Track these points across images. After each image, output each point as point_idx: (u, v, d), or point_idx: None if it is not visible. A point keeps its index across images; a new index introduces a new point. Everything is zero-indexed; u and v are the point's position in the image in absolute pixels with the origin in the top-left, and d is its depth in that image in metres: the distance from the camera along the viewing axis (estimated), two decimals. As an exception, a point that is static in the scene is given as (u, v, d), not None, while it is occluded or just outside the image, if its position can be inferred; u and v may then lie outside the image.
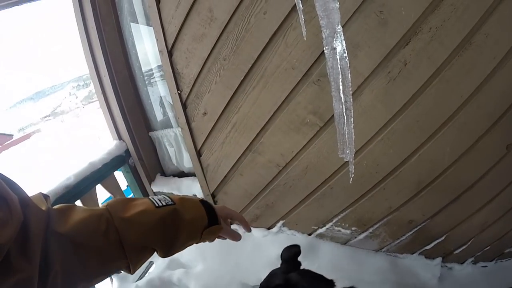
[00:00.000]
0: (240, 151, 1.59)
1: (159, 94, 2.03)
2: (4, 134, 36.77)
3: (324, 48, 0.84)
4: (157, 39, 1.50)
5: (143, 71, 1.98)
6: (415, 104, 1.19)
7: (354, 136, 1.31)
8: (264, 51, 1.31)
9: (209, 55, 1.40)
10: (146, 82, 1.99)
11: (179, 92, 1.54)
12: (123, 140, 2.04)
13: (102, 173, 1.95)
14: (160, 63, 1.82)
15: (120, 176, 2.10)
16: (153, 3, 1.44)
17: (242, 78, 1.38)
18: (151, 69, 1.97)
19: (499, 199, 1.31)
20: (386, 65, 1.17)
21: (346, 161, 1.37)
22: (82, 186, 1.83)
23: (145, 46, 1.93)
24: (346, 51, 0.94)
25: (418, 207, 1.40)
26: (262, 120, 1.45)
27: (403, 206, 1.42)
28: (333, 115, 1.28)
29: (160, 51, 1.51)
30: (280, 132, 1.45)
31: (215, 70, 1.42)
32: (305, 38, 1.19)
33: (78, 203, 1.87)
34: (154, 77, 1.99)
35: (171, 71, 1.51)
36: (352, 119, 1.28)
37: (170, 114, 1.98)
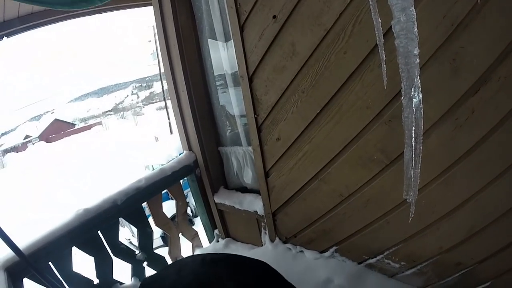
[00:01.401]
0: (307, 178, 1.68)
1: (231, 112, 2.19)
2: (67, 123, 40.75)
3: (401, 98, 0.89)
4: (238, 65, 1.64)
5: (218, 88, 2.15)
6: (477, 151, 1.21)
7: (419, 181, 1.33)
8: (342, 88, 1.39)
9: (288, 86, 1.52)
10: (221, 102, 2.15)
11: (255, 116, 1.66)
12: (193, 151, 2.22)
13: (170, 180, 2.17)
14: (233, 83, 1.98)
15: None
16: (237, 32, 1.59)
17: (318, 112, 1.48)
18: (226, 86, 2.13)
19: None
20: (454, 111, 1.21)
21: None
22: (151, 189, 2.05)
23: (222, 63, 2.09)
24: (422, 102, 0.98)
25: (468, 251, 1.40)
26: (332, 152, 1.53)
27: (453, 248, 1.42)
28: (400, 155, 1.32)
29: (240, 77, 1.65)
30: (348, 165, 1.53)
31: (292, 100, 1.52)
32: (385, 87, 1.24)
33: (145, 205, 2.09)
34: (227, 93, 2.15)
35: (250, 96, 1.64)
36: (419, 165, 1.30)
37: (240, 129, 2.12)
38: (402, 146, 0.91)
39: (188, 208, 3.94)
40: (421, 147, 1.31)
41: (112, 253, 1.90)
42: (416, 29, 1.11)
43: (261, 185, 1.88)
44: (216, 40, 2.04)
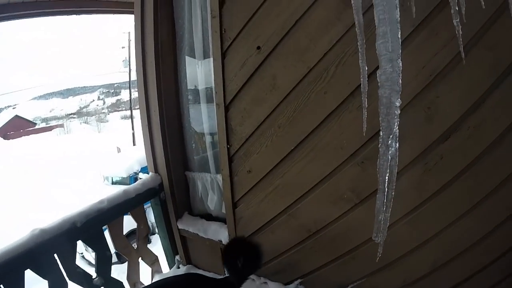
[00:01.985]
0: (276, 212, 1.66)
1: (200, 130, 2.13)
2: (28, 121, 38.44)
3: (379, 145, 0.91)
4: (216, 92, 1.61)
5: (189, 103, 2.09)
6: (444, 194, 1.32)
7: (388, 223, 1.35)
8: (318, 127, 1.41)
9: (265, 120, 1.50)
10: (192, 119, 2.10)
11: (228, 146, 1.62)
12: (159, 174, 2.12)
13: (133, 202, 2.04)
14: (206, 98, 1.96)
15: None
16: (219, 57, 1.57)
17: (292, 148, 1.48)
18: (198, 101, 2.08)
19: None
20: (424, 156, 1.30)
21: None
22: (114, 212, 1.92)
23: (198, 78, 2.04)
24: (398, 151, 1.01)
25: (431, 284, 1.47)
26: (303, 188, 1.54)
27: (417, 281, 1.49)
28: (370, 195, 1.39)
29: (217, 104, 1.61)
30: (318, 202, 1.54)
31: (268, 134, 1.51)
32: (364, 134, 1.26)
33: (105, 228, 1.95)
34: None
35: (224, 125, 1.61)
36: (390, 209, 1.32)
37: (209, 152, 2.06)
38: (372, 186, 0.93)
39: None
40: (393, 193, 1.35)
41: (68, 277, 1.74)
42: (400, 81, 1.14)
43: (228, 215, 1.83)
44: (195, 58, 2.00)
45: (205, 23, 1.83)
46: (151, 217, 2.57)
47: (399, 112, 1.17)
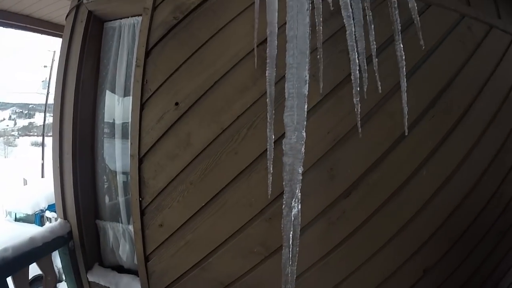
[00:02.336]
0: (188, 266, 1.63)
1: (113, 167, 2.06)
2: None
3: (283, 207, 0.99)
4: (131, 143, 1.58)
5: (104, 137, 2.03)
6: (347, 243, 1.46)
7: (297, 274, 1.42)
8: (228, 185, 1.47)
9: (177, 175, 1.52)
10: (108, 179, 2.03)
11: (140, 199, 1.58)
12: (68, 221, 1.97)
13: (41, 251, 1.87)
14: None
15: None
16: (137, 108, 1.57)
17: (203, 204, 1.50)
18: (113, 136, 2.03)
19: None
20: (327, 212, 1.45)
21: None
22: (19, 262, 1.73)
23: (115, 113, 2.01)
24: (300, 212, 1.09)
25: None
26: (215, 243, 1.55)
27: None
28: (279, 248, 1.41)
29: (131, 155, 1.59)
30: (229, 256, 1.56)
31: (180, 189, 1.51)
32: (269, 197, 1.34)
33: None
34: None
35: (137, 177, 1.58)
36: (295, 263, 1.39)
37: (121, 199, 1.98)
38: (281, 240, 0.98)
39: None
40: (298, 248, 1.43)
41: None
42: (303, 150, 1.25)
43: (141, 268, 1.75)
44: (114, 93, 1.97)
45: (129, 68, 1.84)
46: (58, 261, 2.36)
47: (300, 177, 1.27)
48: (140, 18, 1.76)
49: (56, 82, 2.01)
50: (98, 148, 2.01)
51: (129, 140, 1.60)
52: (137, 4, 1.70)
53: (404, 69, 1.09)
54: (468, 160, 1.64)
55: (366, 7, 1.22)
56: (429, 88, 1.65)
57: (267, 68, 1.24)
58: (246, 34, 1.43)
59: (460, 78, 1.75)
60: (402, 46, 1.07)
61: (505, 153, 1.78)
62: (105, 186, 2.04)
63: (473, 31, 1.87)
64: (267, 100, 1.18)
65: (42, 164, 13.79)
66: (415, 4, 1.10)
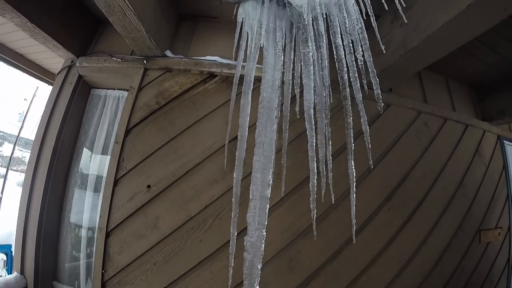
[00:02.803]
0: None
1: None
2: None
3: None
4: (100, 216, 1.64)
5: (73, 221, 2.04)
6: None
7: None
8: (191, 270, 1.53)
9: (142, 254, 1.57)
10: (72, 235, 2.04)
11: (103, 271, 1.61)
12: (25, 277, 1.94)
13: None
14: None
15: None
16: (111, 183, 1.65)
17: (165, 286, 1.55)
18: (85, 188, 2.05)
19: None
20: None
21: None
22: None
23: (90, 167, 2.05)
24: None
25: None
26: None
27: None
28: None
29: (99, 228, 1.63)
30: None
31: (143, 269, 1.56)
32: (231, 271, 1.42)
33: None
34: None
35: (102, 250, 1.62)
36: None
37: (82, 262, 1.97)
38: None
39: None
40: None
41: None
42: (263, 248, 1.36)
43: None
44: (92, 152, 2.03)
45: (107, 139, 1.92)
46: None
47: (259, 272, 1.36)
48: (124, 93, 1.88)
49: (36, 135, 2.04)
50: (68, 206, 2.03)
51: (99, 213, 1.65)
52: (124, 80, 1.83)
53: (354, 185, 1.25)
54: (426, 243, 1.81)
55: (326, 124, 1.40)
56: (386, 183, 1.82)
57: (235, 170, 1.37)
58: (219, 129, 1.57)
59: (415, 171, 1.94)
60: (353, 164, 1.24)
61: (462, 233, 1.96)
62: (68, 247, 2.04)
63: (428, 126, 2.11)
64: (233, 199, 1.30)
65: (0, 198, 12.96)
66: (367, 128, 1.28)
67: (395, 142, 1.94)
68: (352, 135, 1.27)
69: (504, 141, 2.52)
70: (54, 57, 2.67)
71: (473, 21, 1.25)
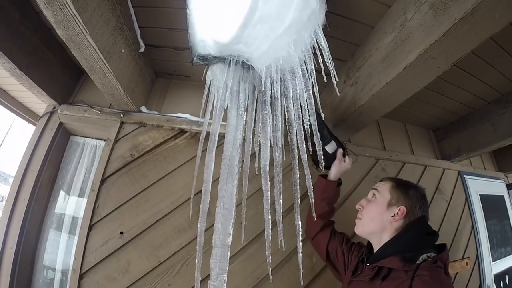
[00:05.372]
0: None
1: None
2: None
3: None
4: (75, 258, 1.81)
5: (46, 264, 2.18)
6: None
7: None
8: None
9: (114, 300, 1.73)
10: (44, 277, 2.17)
11: (77, 314, 1.78)
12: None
13: None
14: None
15: None
16: (86, 227, 1.81)
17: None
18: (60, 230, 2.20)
19: None
20: None
21: None
22: None
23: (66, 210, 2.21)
24: None
25: None
26: None
27: None
28: None
29: (73, 269, 1.80)
30: None
31: (115, 311, 1.73)
32: None
33: None
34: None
35: (75, 291, 1.78)
36: None
37: None
38: None
39: None
40: None
41: None
42: (225, 290, 1.57)
43: None
44: (69, 194, 2.21)
45: (84, 184, 2.13)
46: None
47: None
48: (102, 142, 2.11)
49: (15, 176, 2.21)
50: (42, 245, 2.19)
51: (73, 255, 1.84)
52: (102, 131, 2.06)
53: (300, 236, 1.49)
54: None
55: (278, 180, 1.65)
56: (346, 228, 2.04)
57: (199, 220, 1.61)
58: (187, 182, 1.80)
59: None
60: (299, 218, 1.48)
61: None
62: (41, 286, 2.19)
63: (387, 171, 2.38)
64: (197, 247, 1.53)
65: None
66: (311, 184, 1.53)
67: (354, 189, 2.20)
68: (298, 190, 1.52)
69: (465, 175, 2.80)
70: (36, 99, 2.90)
71: (411, 80, 1.49)
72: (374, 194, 1.42)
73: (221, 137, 1.74)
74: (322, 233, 1.66)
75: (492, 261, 2.60)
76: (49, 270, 2.21)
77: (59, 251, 2.19)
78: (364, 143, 2.38)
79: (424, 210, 1.33)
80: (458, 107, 2.53)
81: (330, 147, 1.78)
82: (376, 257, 1.26)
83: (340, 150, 1.77)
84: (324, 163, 1.69)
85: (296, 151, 1.56)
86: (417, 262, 1.09)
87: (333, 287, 1.86)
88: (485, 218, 2.71)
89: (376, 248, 1.33)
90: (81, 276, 1.78)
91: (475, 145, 2.57)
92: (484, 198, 2.82)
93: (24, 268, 2.12)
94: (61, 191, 2.25)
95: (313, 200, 1.55)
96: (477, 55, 1.88)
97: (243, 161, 1.72)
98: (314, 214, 1.55)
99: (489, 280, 2.49)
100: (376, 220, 1.33)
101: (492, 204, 2.87)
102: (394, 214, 1.28)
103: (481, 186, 2.89)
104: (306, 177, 1.53)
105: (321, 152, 1.59)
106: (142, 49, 1.89)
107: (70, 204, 2.23)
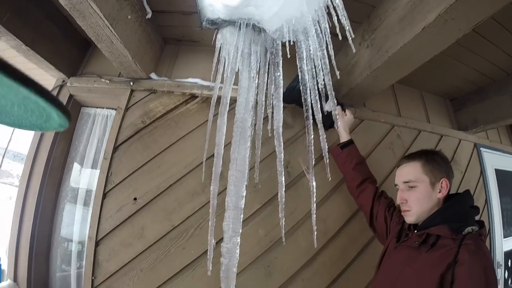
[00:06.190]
0: None
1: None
2: None
3: None
4: (90, 226, 1.84)
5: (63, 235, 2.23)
6: None
7: None
8: (175, 276, 1.73)
9: (129, 262, 1.77)
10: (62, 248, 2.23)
11: (93, 278, 1.81)
12: (18, 285, 2.13)
13: None
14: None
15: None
16: (100, 196, 1.84)
17: (151, 291, 1.74)
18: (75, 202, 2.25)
19: None
20: None
21: None
22: None
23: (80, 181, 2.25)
24: None
25: None
26: None
27: None
28: None
29: (89, 237, 1.83)
30: None
31: (130, 275, 1.76)
32: (209, 274, 1.62)
33: None
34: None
35: (92, 258, 1.81)
36: None
37: (73, 272, 2.17)
38: None
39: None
40: None
41: None
42: (238, 252, 1.58)
43: None
44: (82, 166, 2.23)
45: (97, 154, 2.14)
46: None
47: (235, 275, 1.57)
48: (113, 112, 2.11)
49: (28, 151, 2.24)
50: (59, 218, 2.23)
51: (89, 223, 1.86)
52: (112, 100, 2.05)
53: (315, 195, 1.47)
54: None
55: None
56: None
57: (212, 183, 1.60)
58: (200, 146, 1.79)
59: (389, 181, 2.15)
60: (314, 177, 1.46)
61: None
62: (59, 259, 2.24)
63: (402, 138, 2.33)
64: (210, 210, 1.53)
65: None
66: (326, 144, 1.51)
67: (368, 155, 2.16)
68: (313, 151, 1.49)
69: (481, 148, 2.74)
70: (45, 75, 2.90)
71: (430, 42, 1.43)
72: (411, 187, 1.36)
73: (233, 101, 1.72)
74: (364, 194, 1.71)
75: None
76: (66, 242, 2.26)
77: (75, 223, 2.24)
78: (379, 108, 2.32)
79: (452, 172, 1.38)
80: (477, 76, 2.44)
81: (328, 107, 1.78)
82: (425, 225, 1.28)
83: (339, 107, 1.84)
84: (328, 123, 1.77)
85: (310, 111, 1.52)
86: (463, 233, 1.14)
87: (345, 253, 1.89)
88: (499, 194, 2.65)
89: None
90: (97, 243, 1.82)
91: (492, 117, 2.49)
92: (500, 173, 2.75)
93: (42, 240, 2.17)
94: (75, 163, 2.27)
95: (327, 160, 1.53)
96: (498, 22, 1.80)
97: (255, 124, 1.70)
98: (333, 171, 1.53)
99: (499, 256, 2.45)
100: (427, 203, 1.32)
101: (507, 180, 2.79)
102: (440, 189, 1.31)
103: (497, 160, 2.81)
104: (320, 138, 1.50)
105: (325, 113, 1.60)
106: (149, 15, 1.86)
107: (84, 177, 2.25)
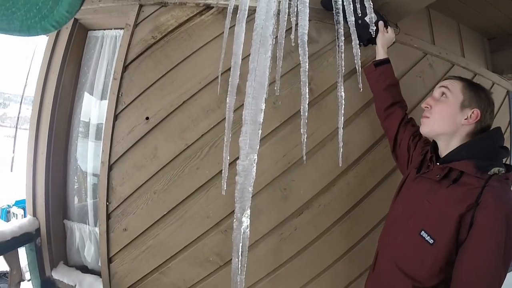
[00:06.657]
0: (148, 269, 1.81)
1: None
2: None
3: (234, 221, 1.18)
4: (103, 150, 1.77)
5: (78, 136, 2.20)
6: (298, 258, 1.70)
7: (245, 283, 1.62)
8: (189, 197, 1.67)
9: (143, 184, 1.71)
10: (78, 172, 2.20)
11: (107, 203, 1.76)
12: (37, 219, 2.13)
13: (8, 245, 2.01)
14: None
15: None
16: (111, 118, 1.76)
17: (165, 213, 1.69)
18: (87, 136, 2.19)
19: None
20: (280, 228, 1.67)
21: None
22: None
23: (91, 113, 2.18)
24: (249, 227, 1.29)
25: None
26: (173, 250, 1.74)
27: None
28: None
29: (102, 162, 1.77)
30: (187, 263, 1.75)
31: (144, 198, 1.70)
32: (223, 193, 1.55)
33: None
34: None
35: (106, 183, 1.76)
36: (245, 272, 1.60)
37: (89, 202, 2.15)
38: None
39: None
40: (247, 259, 1.64)
41: None
42: (254, 171, 1.47)
43: (103, 269, 1.91)
44: (92, 95, 2.15)
45: (107, 78, 2.03)
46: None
47: (250, 195, 1.48)
48: (121, 32, 1.96)
49: (36, 82, 2.17)
50: (72, 149, 2.18)
51: (101, 147, 1.78)
52: (120, 18, 1.90)
53: (343, 108, 1.32)
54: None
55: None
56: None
57: (228, 95, 1.47)
58: (215, 59, 1.64)
59: (417, 110, 1.98)
60: (343, 88, 1.31)
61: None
62: (75, 187, 2.21)
63: (434, 68, 2.13)
64: (226, 124, 1.40)
65: (13, 158, 13.44)
66: (358, 51, 1.34)
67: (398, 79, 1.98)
68: (343, 57, 1.32)
69: (514, 97, 2.51)
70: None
71: None
72: (443, 93, 1.23)
73: (252, 11, 1.53)
74: (391, 118, 1.58)
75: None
76: (81, 174, 2.24)
77: (89, 155, 2.18)
78: (413, 33, 2.09)
79: (492, 117, 1.21)
80: (523, 19, 2.16)
81: (369, 19, 1.59)
82: (449, 158, 1.18)
83: (381, 22, 1.63)
84: (366, 37, 1.58)
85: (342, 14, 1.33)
86: (489, 173, 1.03)
87: (365, 181, 1.78)
88: (525, 149, 2.44)
89: (442, 150, 1.24)
90: (110, 168, 1.75)
91: (532, 64, 2.24)
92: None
93: (57, 171, 2.15)
94: (86, 93, 2.17)
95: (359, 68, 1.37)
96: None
97: (276, 36, 1.53)
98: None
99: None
100: (448, 122, 1.20)
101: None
102: (467, 117, 1.17)
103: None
104: (353, 47, 1.32)
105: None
106: None
107: (95, 110, 2.16)
